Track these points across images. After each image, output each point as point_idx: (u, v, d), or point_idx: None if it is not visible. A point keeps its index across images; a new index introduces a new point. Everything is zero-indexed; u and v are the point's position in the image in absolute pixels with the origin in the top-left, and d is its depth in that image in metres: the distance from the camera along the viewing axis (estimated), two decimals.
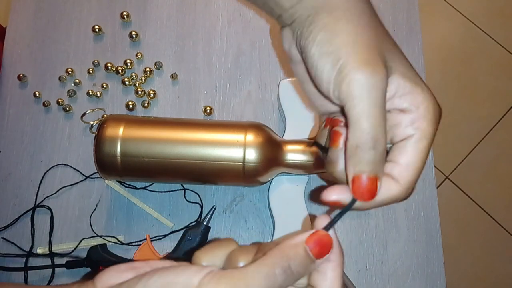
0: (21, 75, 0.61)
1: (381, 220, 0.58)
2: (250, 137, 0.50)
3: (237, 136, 0.50)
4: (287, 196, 0.55)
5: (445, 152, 1.47)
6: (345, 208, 0.26)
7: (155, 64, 0.62)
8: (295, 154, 0.51)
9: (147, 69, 0.62)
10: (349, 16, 0.26)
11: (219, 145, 0.50)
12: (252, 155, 0.49)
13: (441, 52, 1.55)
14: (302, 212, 0.54)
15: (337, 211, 0.27)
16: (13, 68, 0.63)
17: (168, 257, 0.53)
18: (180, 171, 0.51)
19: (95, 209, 0.57)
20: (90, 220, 0.57)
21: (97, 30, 0.63)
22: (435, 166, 0.60)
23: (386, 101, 0.25)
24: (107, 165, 0.50)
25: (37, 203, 0.57)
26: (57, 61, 0.63)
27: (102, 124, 0.51)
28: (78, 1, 0.65)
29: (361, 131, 0.24)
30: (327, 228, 0.25)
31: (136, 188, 0.57)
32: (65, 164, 0.59)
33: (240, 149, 0.50)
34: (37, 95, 0.61)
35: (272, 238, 0.54)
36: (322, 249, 0.24)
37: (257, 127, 0.52)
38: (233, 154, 0.49)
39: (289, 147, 0.52)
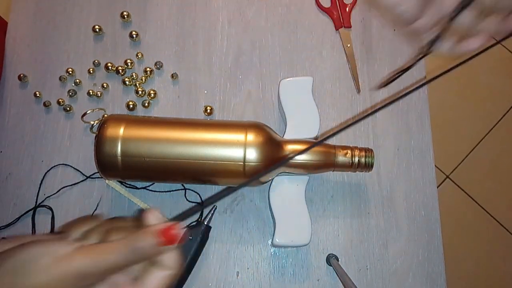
0: (21, 75, 0.61)
1: (382, 219, 0.58)
2: (251, 136, 0.50)
3: (237, 136, 0.50)
4: (288, 195, 0.55)
5: (445, 151, 1.47)
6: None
7: (156, 64, 0.62)
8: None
9: (148, 69, 0.62)
10: None
11: (220, 145, 0.50)
12: (252, 155, 0.49)
13: None
14: (303, 211, 0.54)
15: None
16: (13, 68, 0.63)
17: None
18: (181, 171, 0.51)
19: (95, 209, 0.57)
20: None
21: (97, 30, 0.63)
22: (435, 166, 0.60)
23: None
24: (108, 165, 0.50)
25: (38, 203, 0.57)
26: (57, 61, 0.63)
27: (102, 124, 0.51)
28: (78, 1, 0.65)
29: None
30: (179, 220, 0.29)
31: (136, 188, 0.57)
32: (65, 164, 0.59)
33: (240, 149, 0.49)
34: (38, 95, 0.61)
35: (273, 238, 0.54)
36: (170, 242, 0.27)
37: (258, 127, 0.52)
38: (234, 154, 0.49)
39: (289, 146, 0.52)
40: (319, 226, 0.57)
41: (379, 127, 0.61)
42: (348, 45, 0.64)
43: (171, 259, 0.29)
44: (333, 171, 0.53)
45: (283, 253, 0.57)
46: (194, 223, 0.56)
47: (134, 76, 0.62)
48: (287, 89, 0.57)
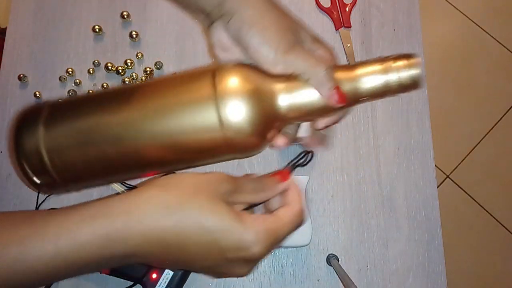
0: (21, 75, 0.61)
1: (382, 219, 0.58)
2: (223, 83, 0.32)
3: (199, 87, 0.32)
4: None
5: (445, 151, 1.47)
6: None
7: (156, 64, 0.62)
8: (298, 93, 0.33)
9: (148, 69, 0.62)
10: (266, 7, 0.34)
11: (176, 109, 0.32)
12: (233, 112, 0.31)
13: (441, 51, 1.55)
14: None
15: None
16: (13, 68, 0.63)
17: None
18: (137, 158, 0.34)
19: None
20: None
21: (97, 30, 0.63)
22: (435, 165, 0.60)
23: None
24: (36, 173, 0.34)
25: (38, 204, 0.57)
26: (57, 61, 0.63)
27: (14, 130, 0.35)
28: (78, 1, 0.65)
29: (317, 71, 0.33)
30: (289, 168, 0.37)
31: (136, 187, 0.57)
32: None
33: (209, 107, 0.31)
34: (38, 95, 0.61)
35: None
36: (283, 178, 0.36)
37: (231, 67, 0.33)
38: (201, 118, 0.31)
39: (287, 85, 0.33)
40: (319, 226, 0.57)
41: (379, 126, 0.61)
42: (348, 45, 0.64)
43: (296, 201, 0.35)
44: (361, 103, 0.35)
45: (283, 253, 0.57)
46: None
47: (134, 76, 0.62)
48: None
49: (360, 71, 0.33)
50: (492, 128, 1.50)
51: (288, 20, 0.36)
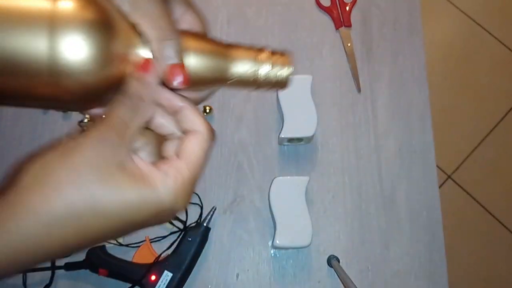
0: None
1: (383, 220, 0.57)
2: (67, 5, 0.24)
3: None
4: (288, 196, 0.54)
5: (447, 151, 1.47)
6: None
7: None
8: (135, 49, 0.28)
9: None
10: None
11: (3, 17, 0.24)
12: (68, 44, 0.24)
13: (442, 51, 1.55)
14: (303, 212, 0.53)
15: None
16: None
17: None
18: None
19: None
20: None
21: None
22: (437, 166, 0.60)
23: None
24: None
25: None
26: None
27: None
28: None
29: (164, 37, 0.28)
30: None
31: None
32: None
33: (41, 30, 0.24)
34: None
35: (273, 239, 0.53)
36: (144, 69, 0.27)
37: None
38: (28, 40, 0.24)
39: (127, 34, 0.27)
40: (319, 227, 0.57)
41: (380, 127, 0.61)
42: (349, 44, 0.63)
43: (196, 122, 0.28)
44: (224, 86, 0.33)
45: (284, 254, 0.56)
46: (193, 225, 0.55)
47: None
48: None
49: (234, 51, 0.31)
50: (493, 128, 1.49)
51: None
